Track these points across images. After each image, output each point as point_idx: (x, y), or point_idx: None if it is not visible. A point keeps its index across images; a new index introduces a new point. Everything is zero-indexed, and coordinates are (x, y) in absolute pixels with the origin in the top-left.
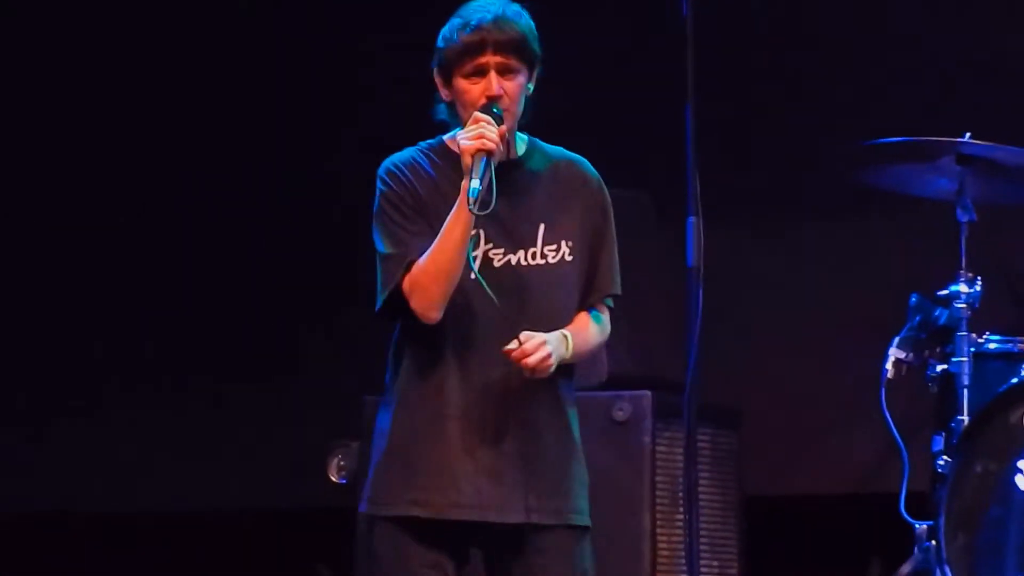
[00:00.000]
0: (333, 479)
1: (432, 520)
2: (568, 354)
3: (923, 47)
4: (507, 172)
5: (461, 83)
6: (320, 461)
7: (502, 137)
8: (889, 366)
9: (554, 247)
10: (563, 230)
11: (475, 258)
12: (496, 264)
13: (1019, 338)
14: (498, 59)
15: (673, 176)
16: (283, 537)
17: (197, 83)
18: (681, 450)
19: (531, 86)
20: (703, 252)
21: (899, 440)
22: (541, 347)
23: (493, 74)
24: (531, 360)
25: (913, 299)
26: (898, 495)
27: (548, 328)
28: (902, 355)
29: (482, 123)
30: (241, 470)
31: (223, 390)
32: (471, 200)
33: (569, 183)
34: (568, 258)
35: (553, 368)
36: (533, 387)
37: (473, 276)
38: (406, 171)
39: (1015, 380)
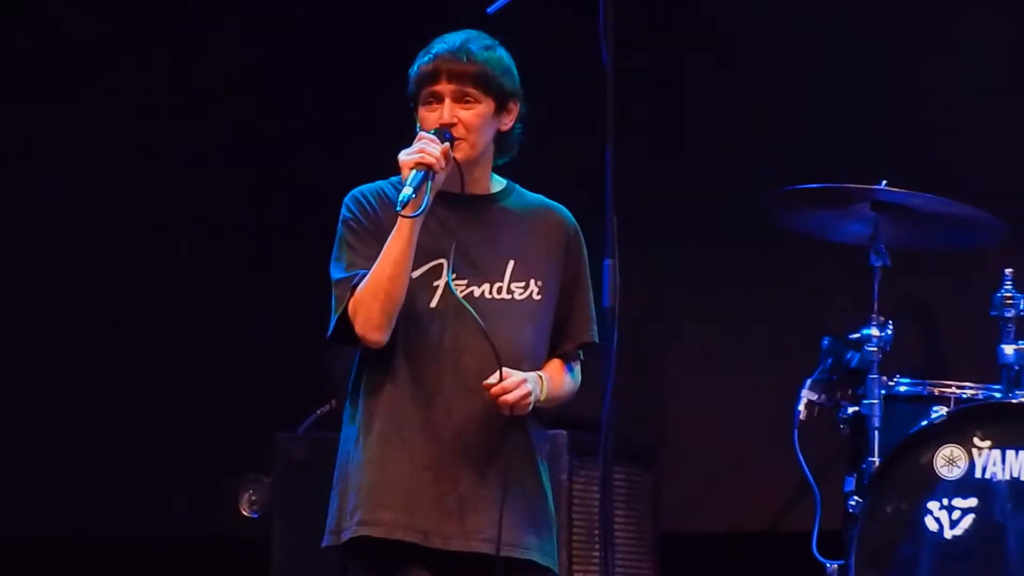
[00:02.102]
0: (245, 513)
1: (395, 547)
2: (542, 398)
3: (841, 94)
4: (478, 206)
5: (421, 111)
6: (232, 495)
7: (445, 155)
8: (801, 408)
9: (522, 284)
10: (534, 269)
11: (437, 287)
12: (456, 295)
13: (929, 381)
14: (452, 87)
15: (592, 214)
16: (191, 571)
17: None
18: (597, 488)
19: (518, 126)
20: (619, 292)
21: (811, 480)
22: (521, 385)
23: (447, 102)
24: (510, 397)
25: (825, 342)
26: (810, 534)
27: (517, 364)
28: (814, 397)
29: (424, 139)
30: (150, 502)
31: (134, 422)
32: (400, 204)
33: (544, 225)
34: (536, 297)
35: (530, 408)
36: (501, 423)
37: (433, 306)
38: (371, 199)
39: (925, 422)
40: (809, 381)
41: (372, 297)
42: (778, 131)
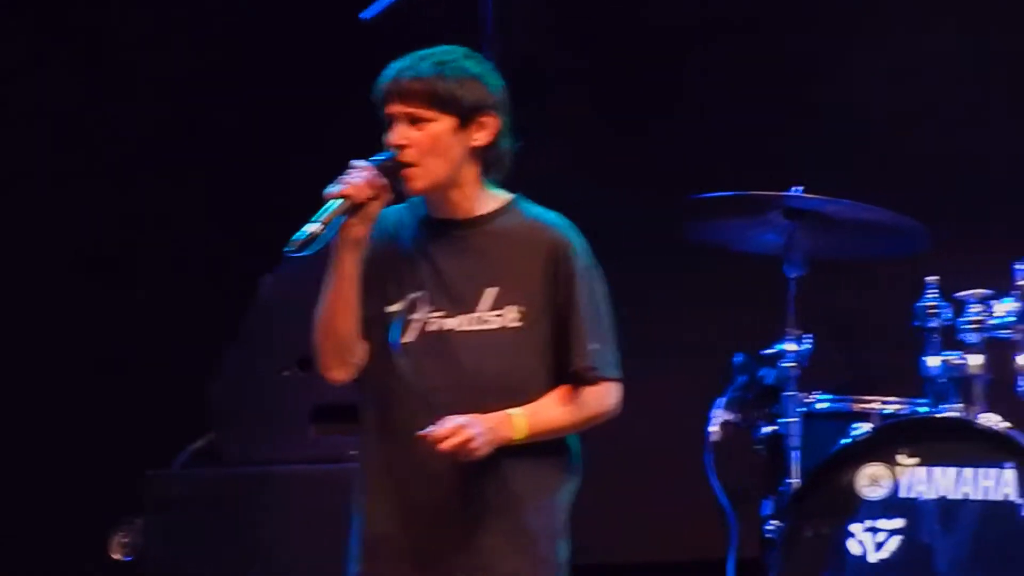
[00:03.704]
0: (116, 557)
1: None
2: (518, 435)
3: (752, 100)
4: (459, 232)
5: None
6: (101, 538)
7: (372, 183)
8: (714, 428)
9: (499, 312)
10: (514, 295)
11: (411, 322)
12: (431, 329)
13: (850, 397)
14: (403, 108)
15: None
16: None
17: None
18: None
19: (505, 140)
20: None
21: (726, 505)
22: (458, 431)
23: (398, 124)
24: (445, 445)
25: (738, 358)
26: (726, 562)
27: (496, 397)
28: (728, 417)
29: (353, 170)
30: (13, 547)
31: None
32: (295, 238)
33: (531, 245)
34: (512, 325)
35: (483, 452)
36: (469, 477)
37: (407, 341)
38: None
39: (846, 440)
40: (722, 401)
41: (320, 337)
42: (688, 138)
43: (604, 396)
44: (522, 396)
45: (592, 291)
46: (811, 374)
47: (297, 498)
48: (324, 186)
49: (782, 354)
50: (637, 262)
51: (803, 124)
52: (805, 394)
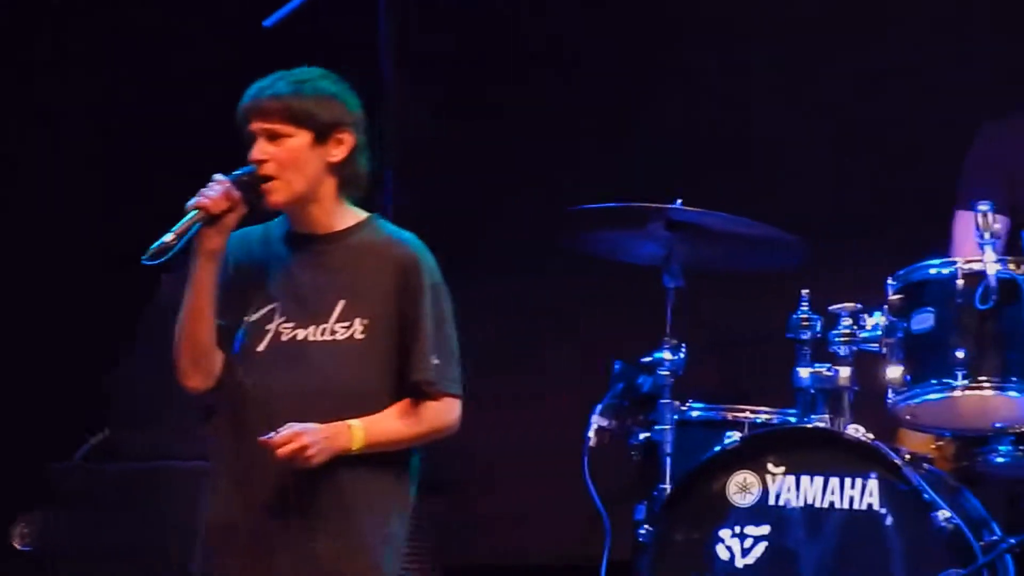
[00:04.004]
0: (17, 547)
1: None
2: (356, 445)
3: (633, 115)
4: (319, 246)
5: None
6: (2, 529)
7: (228, 196)
8: (592, 434)
9: (347, 324)
10: (362, 308)
11: (266, 332)
12: (283, 339)
13: (722, 406)
14: (263, 125)
15: None
16: None
17: None
18: None
19: (361, 158)
20: None
21: (602, 509)
22: (296, 438)
23: (258, 141)
24: (281, 452)
25: (617, 366)
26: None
27: (340, 407)
28: (604, 423)
29: (212, 183)
30: None
31: None
32: (151, 248)
33: (384, 261)
34: (359, 336)
35: (319, 460)
36: (306, 483)
37: (260, 350)
38: (230, 244)
39: (717, 448)
40: (600, 407)
41: (179, 346)
42: (570, 150)
43: (444, 411)
44: (365, 407)
45: (438, 308)
46: (687, 382)
47: (194, 492)
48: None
49: (659, 362)
50: (522, 271)
51: (684, 137)
52: (679, 402)
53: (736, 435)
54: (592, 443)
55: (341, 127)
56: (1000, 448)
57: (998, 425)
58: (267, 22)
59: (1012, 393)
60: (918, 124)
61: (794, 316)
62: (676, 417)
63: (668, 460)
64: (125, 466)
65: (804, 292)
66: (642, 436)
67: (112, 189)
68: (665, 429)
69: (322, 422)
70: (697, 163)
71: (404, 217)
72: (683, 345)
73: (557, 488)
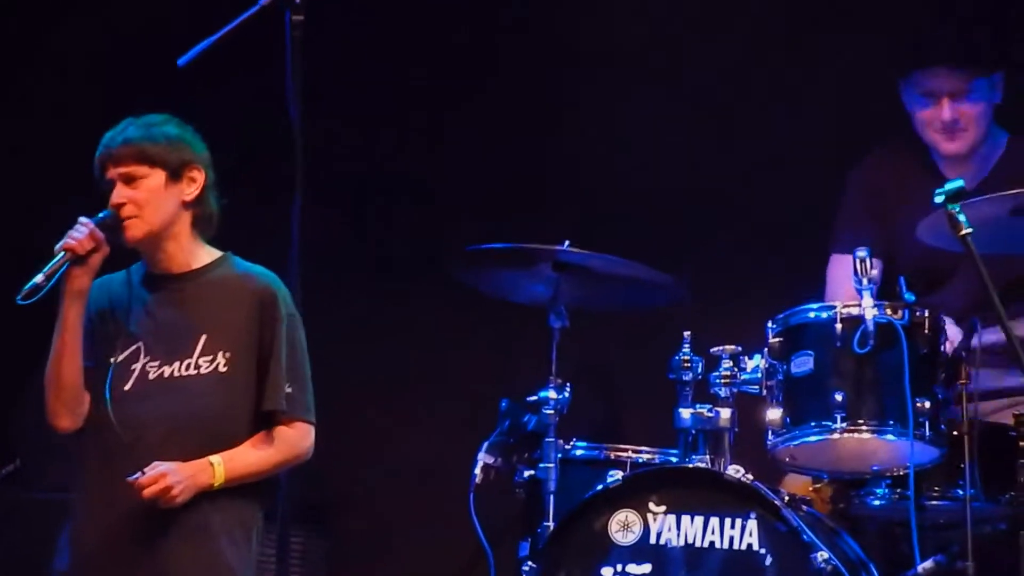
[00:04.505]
0: None
1: None
2: (218, 481)
3: (519, 157)
4: (177, 284)
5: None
6: None
7: (93, 236)
8: (478, 471)
9: (210, 357)
10: (224, 341)
11: (132, 371)
12: (151, 376)
13: (605, 445)
14: (119, 170)
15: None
16: None
17: None
18: (275, 552)
19: (211, 197)
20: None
21: (486, 545)
22: (161, 478)
23: (117, 185)
24: (147, 492)
25: (503, 404)
26: None
27: (209, 440)
28: (491, 460)
29: (78, 225)
30: None
31: None
32: (23, 289)
33: (240, 294)
34: (223, 369)
35: (183, 499)
36: (171, 513)
37: (127, 388)
38: (93, 290)
39: (600, 487)
40: (486, 444)
41: (48, 387)
42: (465, 190)
43: (298, 439)
44: (231, 437)
45: (292, 337)
46: (571, 421)
47: None
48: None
49: (544, 401)
50: (413, 306)
51: (570, 179)
52: (564, 441)
53: (618, 474)
54: (478, 480)
55: (192, 165)
56: (877, 491)
57: (876, 468)
58: (181, 61)
59: (889, 436)
60: (797, 167)
61: (675, 357)
62: (560, 455)
63: (552, 498)
64: (34, 496)
65: (686, 334)
66: (527, 474)
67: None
68: (549, 467)
69: (190, 455)
70: (585, 206)
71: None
72: (568, 384)
73: (442, 524)
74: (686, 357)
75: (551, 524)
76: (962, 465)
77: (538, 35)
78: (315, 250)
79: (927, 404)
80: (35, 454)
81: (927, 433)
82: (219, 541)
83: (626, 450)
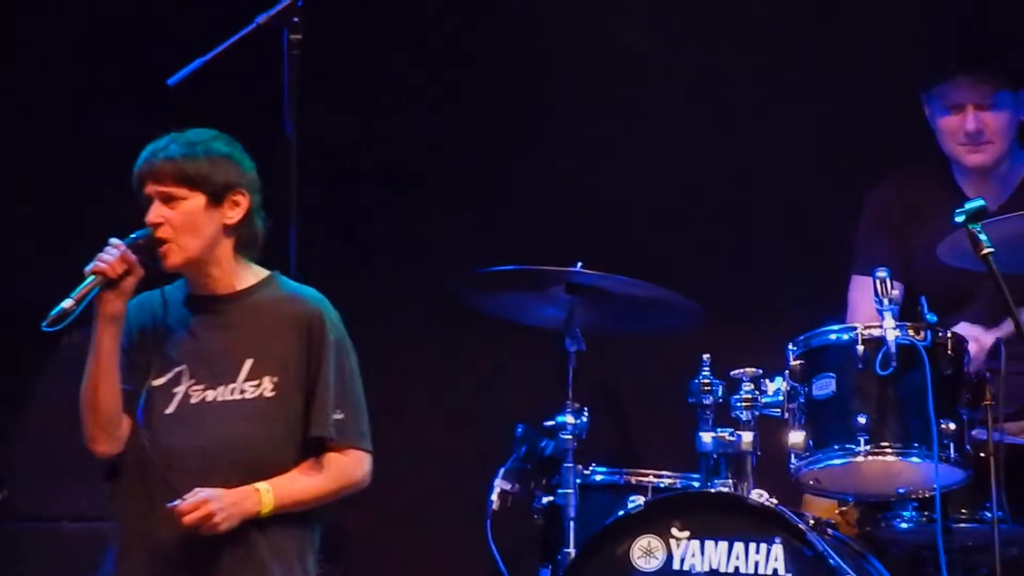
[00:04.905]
0: None
1: None
2: (265, 508)
3: (539, 175)
4: (221, 306)
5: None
6: None
7: (125, 259)
8: (494, 498)
9: (256, 382)
10: (270, 365)
11: (174, 395)
12: (192, 401)
13: (625, 469)
14: (156, 188)
15: None
16: None
17: None
18: None
19: (257, 219)
20: None
21: (505, 573)
22: (202, 506)
23: (154, 203)
24: (188, 519)
25: (519, 429)
26: None
27: (251, 467)
28: (507, 486)
29: (108, 247)
30: None
31: None
32: (50, 315)
33: (286, 317)
34: (269, 394)
35: (226, 526)
36: (219, 541)
37: (169, 412)
38: (131, 310)
39: (621, 512)
40: (502, 470)
41: (84, 411)
42: (471, 212)
43: (352, 467)
44: (276, 465)
45: (341, 362)
46: (589, 446)
47: (93, 554)
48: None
49: (561, 426)
50: (423, 332)
51: (584, 201)
52: (582, 466)
53: (640, 499)
54: (495, 507)
55: (236, 188)
56: (904, 514)
57: (901, 490)
58: (171, 80)
59: (914, 459)
60: (816, 187)
61: (695, 381)
62: (579, 481)
63: (572, 524)
64: (21, 525)
65: (705, 357)
66: (545, 500)
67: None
68: (568, 493)
69: (233, 483)
70: (598, 227)
71: (308, 274)
72: (585, 409)
73: (461, 552)
74: (706, 380)
75: (572, 551)
76: (988, 487)
77: (541, 45)
78: (314, 275)
79: (951, 426)
80: (22, 484)
81: (952, 455)
82: (271, 569)
83: (647, 475)
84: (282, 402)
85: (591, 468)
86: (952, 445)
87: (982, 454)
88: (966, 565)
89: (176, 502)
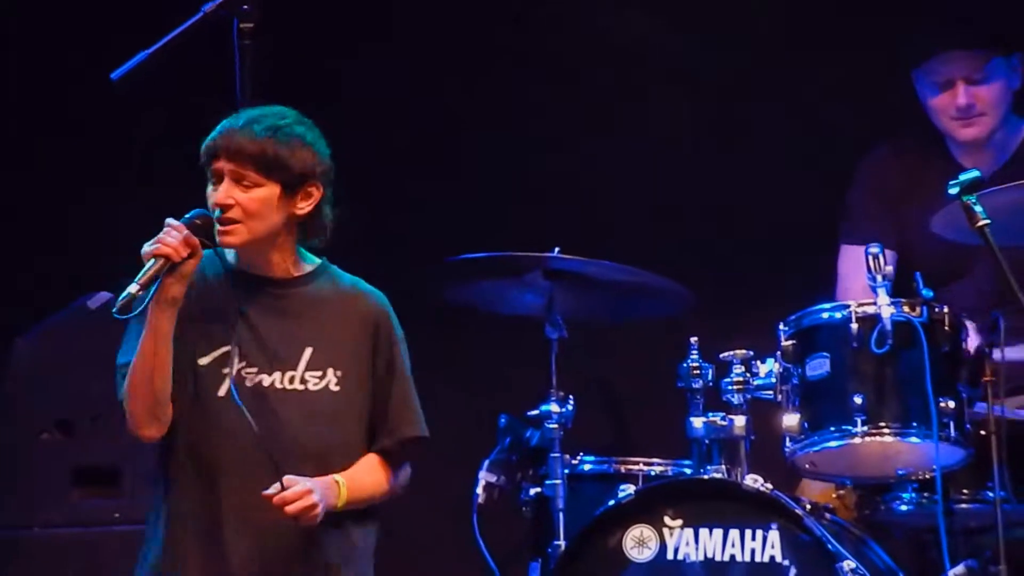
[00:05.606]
0: None
1: None
2: (340, 503)
3: (512, 160)
4: (278, 290)
5: (209, 188)
6: None
7: (188, 242)
8: (480, 491)
9: (319, 373)
10: (333, 358)
11: (226, 375)
12: (248, 384)
13: (614, 458)
14: (231, 167)
15: None
16: None
17: None
18: None
19: (326, 210)
20: None
21: (494, 568)
22: (306, 495)
23: (225, 182)
24: (292, 508)
25: (502, 420)
26: None
27: (309, 461)
28: (493, 479)
29: (168, 229)
30: None
31: None
32: (118, 301)
33: (350, 311)
34: (334, 388)
35: (319, 518)
36: (290, 529)
37: (220, 395)
38: None
39: (612, 502)
40: (487, 462)
41: (133, 394)
42: (443, 200)
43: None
44: (338, 460)
45: (406, 360)
46: (576, 435)
47: (58, 561)
48: (73, 252)
49: (546, 415)
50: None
51: (562, 186)
52: (570, 456)
53: (630, 488)
54: (481, 500)
55: (311, 180)
56: (903, 496)
57: (901, 472)
58: (114, 74)
59: (913, 439)
60: (796, 163)
61: (684, 365)
62: (567, 471)
63: (561, 516)
64: None
65: (693, 340)
66: (532, 491)
67: None
68: (556, 484)
69: (294, 472)
70: (575, 211)
71: None
72: (571, 397)
73: (448, 547)
74: (695, 364)
75: (562, 543)
76: (990, 466)
77: (535, 35)
78: None
79: (951, 404)
80: None
81: (952, 434)
82: (329, 562)
83: (637, 463)
84: (348, 397)
85: (579, 457)
86: (952, 424)
87: (983, 432)
88: (969, 547)
89: (274, 488)
